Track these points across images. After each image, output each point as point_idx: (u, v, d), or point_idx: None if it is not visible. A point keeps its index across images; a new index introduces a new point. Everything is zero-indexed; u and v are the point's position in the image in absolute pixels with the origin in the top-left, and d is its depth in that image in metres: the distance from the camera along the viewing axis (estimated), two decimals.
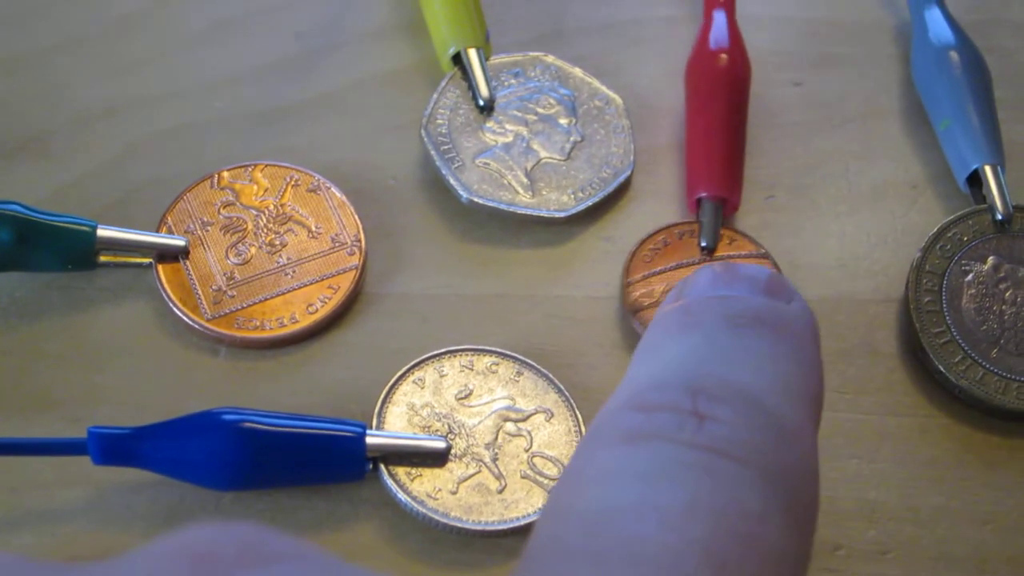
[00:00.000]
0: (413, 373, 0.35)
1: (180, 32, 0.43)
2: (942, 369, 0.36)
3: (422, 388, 0.35)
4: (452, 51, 0.41)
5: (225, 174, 0.39)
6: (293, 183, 0.39)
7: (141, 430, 0.33)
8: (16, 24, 0.43)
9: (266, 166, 0.39)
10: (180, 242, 0.38)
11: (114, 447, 0.33)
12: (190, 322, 0.37)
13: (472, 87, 0.40)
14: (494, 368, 0.36)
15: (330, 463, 0.34)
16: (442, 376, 0.35)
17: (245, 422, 0.33)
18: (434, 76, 0.41)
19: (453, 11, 0.41)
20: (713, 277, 0.26)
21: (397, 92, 0.42)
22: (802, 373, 0.24)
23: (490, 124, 0.40)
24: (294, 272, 0.37)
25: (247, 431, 0.33)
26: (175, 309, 0.37)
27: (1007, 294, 0.37)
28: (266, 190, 0.39)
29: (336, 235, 0.38)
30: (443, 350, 0.36)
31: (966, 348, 0.36)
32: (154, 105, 0.41)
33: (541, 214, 0.38)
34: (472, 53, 0.40)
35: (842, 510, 0.34)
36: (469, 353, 0.36)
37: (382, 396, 0.35)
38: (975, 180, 0.39)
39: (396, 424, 0.34)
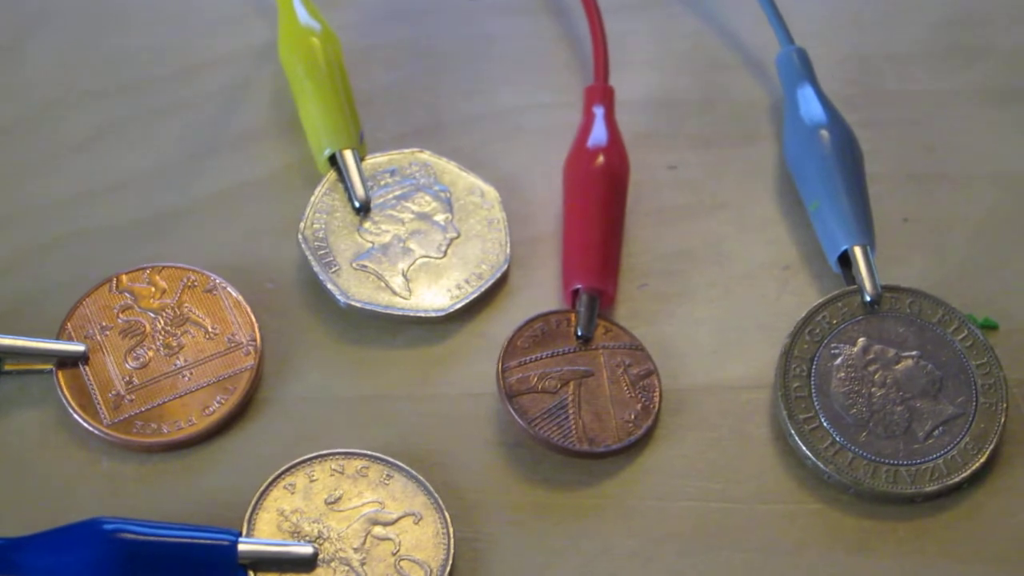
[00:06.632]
0: (284, 479, 0.36)
1: (61, 141, 0.44)
2: (810, 455, 0.36)
3: (292, 493, 0.36)
4: (327, 153, 0.41)
5: (124, 277, 0.40)
6: (190, 284, 0.40)
7: (19, 540, 0.33)
8: None
9: (164, 267, 0.40)
10: (79, 348, 0.38)
11: None
12: (90, 428, 0.37)
13: (348, 189, 0.41)
14: (364, 471, 0.36)
15: (205, 572, 0.34)
16: (312, 481, 0.36)
17: (121, 532, 0.33)
18: (315, 176, 0.42)
19: (326, 113, 0.41)
20: None
21: (277, 194, 0.42)
22: None
23: (367, 225, 0.40)
24: (191, 374, 0.38)
25: (122, 542, 0.33)
26: (75, 415, 0.37)
27: (876, 376, 0.37)
28: (164, 292, 0.40)
29: (232, 335, 0.39)
30: (313, 455, 0.36)
31: (834, 433, 0.36)
32: (40, 214, 0.42)
33: (418, 315, 0.39)
34: (347, 155, 0.41)
35: None
36: (339, 457, 0.36)
37: (252, 502, 0.35)
38: (846, 260, 0.39)
39: (265, 530, 0.35)
